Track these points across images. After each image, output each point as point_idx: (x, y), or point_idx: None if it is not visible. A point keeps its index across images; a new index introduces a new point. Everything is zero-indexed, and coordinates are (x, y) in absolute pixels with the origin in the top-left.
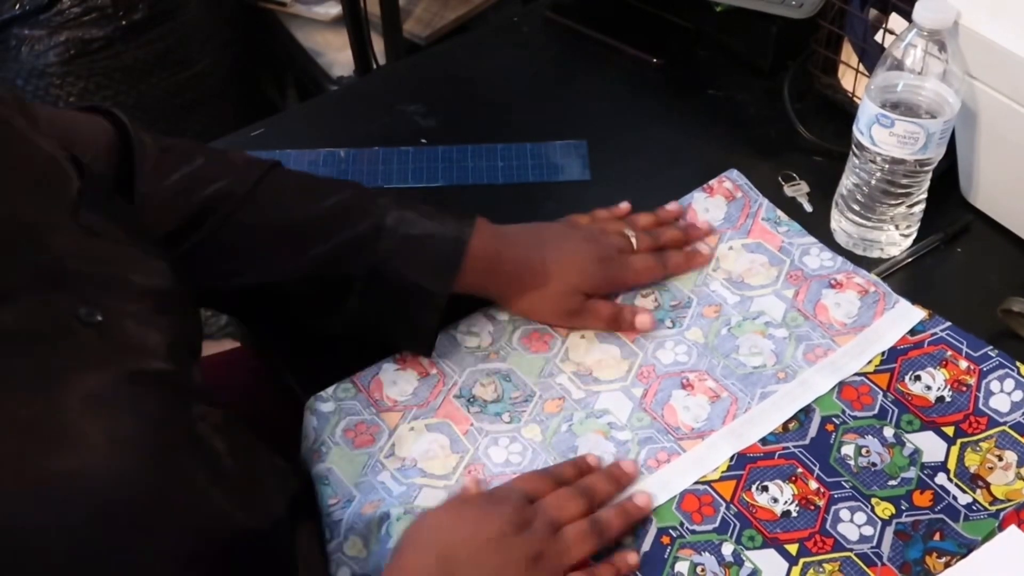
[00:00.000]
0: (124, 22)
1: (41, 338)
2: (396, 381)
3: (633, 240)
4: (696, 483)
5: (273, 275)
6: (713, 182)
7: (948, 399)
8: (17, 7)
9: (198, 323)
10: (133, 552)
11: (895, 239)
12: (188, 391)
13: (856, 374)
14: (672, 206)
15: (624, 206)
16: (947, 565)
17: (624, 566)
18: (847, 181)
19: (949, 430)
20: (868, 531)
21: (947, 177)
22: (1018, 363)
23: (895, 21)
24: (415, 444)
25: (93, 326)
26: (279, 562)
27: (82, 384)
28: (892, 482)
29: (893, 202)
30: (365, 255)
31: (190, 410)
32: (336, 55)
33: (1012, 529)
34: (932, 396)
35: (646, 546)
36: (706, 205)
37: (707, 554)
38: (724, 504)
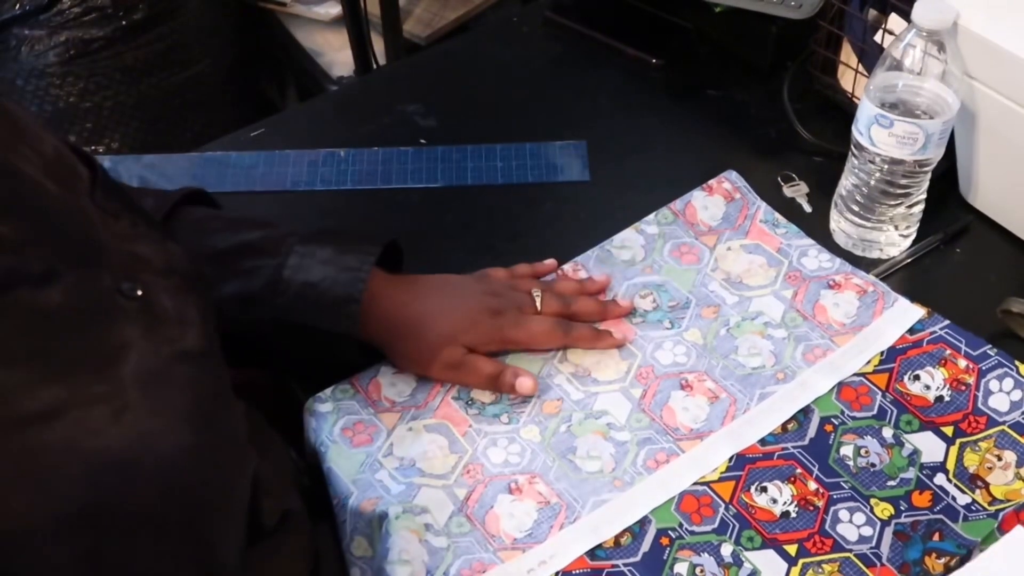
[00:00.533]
0: (124, 22)
1: (90, 314)
2: (394, 383)
3: (538, 301)
4: (695, 484)
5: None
6: (712, 182)
7: (947, 399)
8: (17, 7)
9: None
10: (201, 529)
11: (894, 239)
12: (225, 372)
13: (855, 374)
14: (601, 278)
15: (549, 263)
16: (946, 566)
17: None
18: (846, 181)
19: (948, 430)
20: (867, 531)
21: (947, 177)
22: (1017, 362)
23: (894, 21)
24: (413, 444)
25: (136, 300)
26: (299, 558)
27: (135, 361)
28: (891, 482)
29: (892, 202)
30: (268, 307)
31: (228, 391)
32: (336, 55)
33: (1019, 530)
34: (931, 396)
35: (645, 547)
36: (705, 203)
37: (706, 555)
38: (723, 505)
